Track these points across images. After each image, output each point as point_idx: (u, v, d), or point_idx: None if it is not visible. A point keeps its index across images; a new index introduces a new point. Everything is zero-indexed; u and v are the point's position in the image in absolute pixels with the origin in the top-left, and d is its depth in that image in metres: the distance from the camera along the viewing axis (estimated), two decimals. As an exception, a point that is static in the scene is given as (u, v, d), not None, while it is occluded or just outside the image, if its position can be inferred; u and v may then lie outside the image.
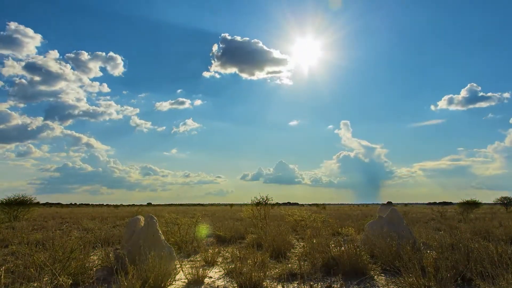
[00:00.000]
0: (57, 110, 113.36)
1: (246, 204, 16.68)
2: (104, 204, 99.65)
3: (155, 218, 6.59)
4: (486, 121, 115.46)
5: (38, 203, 24.85)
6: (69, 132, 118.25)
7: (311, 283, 5.20)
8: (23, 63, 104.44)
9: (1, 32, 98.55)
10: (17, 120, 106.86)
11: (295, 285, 5.21)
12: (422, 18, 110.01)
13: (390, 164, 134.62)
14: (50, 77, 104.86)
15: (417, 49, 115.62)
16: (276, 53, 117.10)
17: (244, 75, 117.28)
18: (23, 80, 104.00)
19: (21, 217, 21.08)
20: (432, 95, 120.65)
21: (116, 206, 77.51)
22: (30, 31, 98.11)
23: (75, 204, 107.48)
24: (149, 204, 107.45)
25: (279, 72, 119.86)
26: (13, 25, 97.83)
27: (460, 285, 5.01)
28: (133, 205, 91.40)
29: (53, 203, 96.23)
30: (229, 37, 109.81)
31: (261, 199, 15.63)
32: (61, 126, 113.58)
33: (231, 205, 74.86)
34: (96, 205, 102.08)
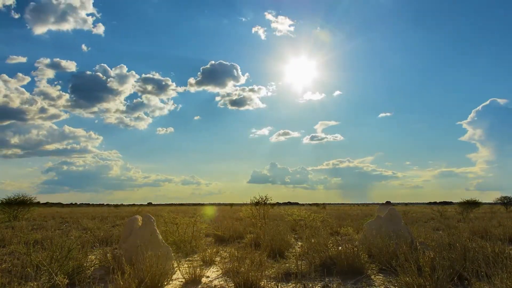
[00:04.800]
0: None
1: (245, 204, 16.71)
2: (105, 204, 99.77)
3: (153, 217, 6.59)
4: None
5: (38, 203, 24.93)
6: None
7: (307, 282, 5.21)
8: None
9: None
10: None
11: (292, 285, 5.22)
12: (416, 36, 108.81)
13: (390, 165, 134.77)
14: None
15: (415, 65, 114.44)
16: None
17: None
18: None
19: (21, 217, 21.11)
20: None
21: (116, 206, 77.49)
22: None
23: (76, 204, 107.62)
24: (149, 204, 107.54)
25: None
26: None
27: (456, 285, 5.01)
28: (134, 204, 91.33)
29: (53, 203, 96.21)
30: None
31: (260, 199, 15.66)
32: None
33: (231, 205, 74.81)
34: (97, 205, 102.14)
